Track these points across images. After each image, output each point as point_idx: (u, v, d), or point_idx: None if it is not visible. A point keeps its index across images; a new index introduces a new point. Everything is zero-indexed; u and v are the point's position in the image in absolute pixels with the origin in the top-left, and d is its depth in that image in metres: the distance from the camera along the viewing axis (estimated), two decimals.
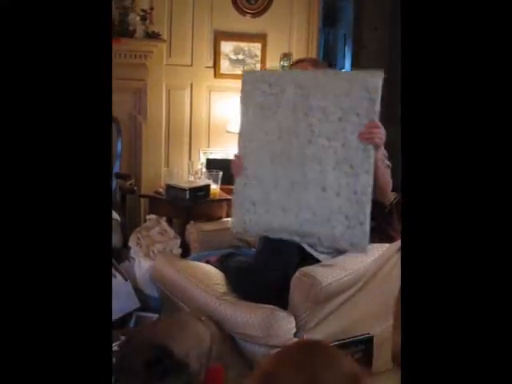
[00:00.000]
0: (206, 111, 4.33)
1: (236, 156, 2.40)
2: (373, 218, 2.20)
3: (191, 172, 3.91)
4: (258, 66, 4.32)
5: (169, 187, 3.47)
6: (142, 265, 3.01)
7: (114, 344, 1.94)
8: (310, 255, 2.30)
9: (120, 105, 3.89)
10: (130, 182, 3.58)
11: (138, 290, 2.89)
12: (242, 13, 4.34)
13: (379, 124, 2.18)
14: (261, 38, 4.39)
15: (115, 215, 3.42)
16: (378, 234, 2.29)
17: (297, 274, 2.18)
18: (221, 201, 3.57)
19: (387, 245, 2.35)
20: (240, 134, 2.42)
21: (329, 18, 7.17)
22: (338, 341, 2.21)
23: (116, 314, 2.66)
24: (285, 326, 2.11)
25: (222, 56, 4.30)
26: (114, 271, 2.84)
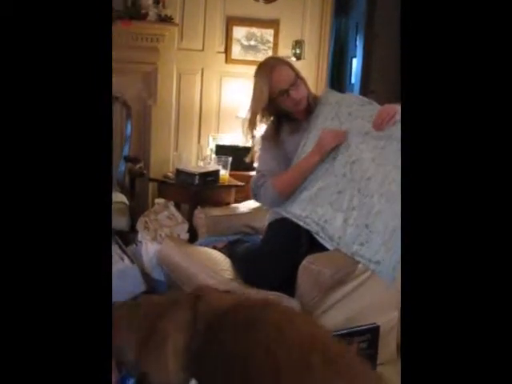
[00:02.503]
0: (216, 96, 4.32)
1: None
2: None
3: (200, 157, 3.91)
4: (270, 52, 4.30)
5: (178, 171, 3.46)
6: (149, 248, 3.01)
7: None
8: (319, 243, 2.30)
9: (130, 88, 3.89)
10: (139, 166, 3.57)
11: (144, 274, 2.90)
12: None
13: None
14: (273, 23, 4.37)
15: (124, 198, 3.42)
16: None
17: (304, 261, 2.18)
18: (230, 187, 3.57)
19: None
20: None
21: (341, 7, 7.12)
22: (344, 330, 2.21)
23: (122, 297, 2.66)
24: None
25: (233, 41, 4.28)
26: (121, 254, 2.85)
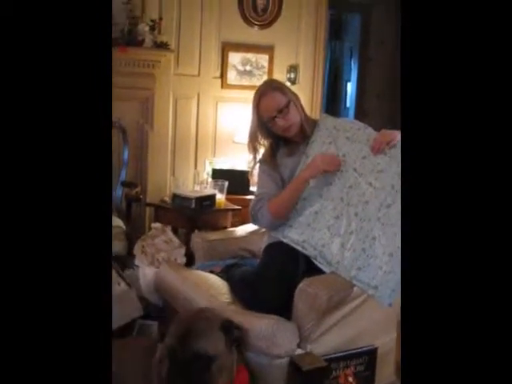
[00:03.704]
0: (212, 121, 4.36)
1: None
2: None
3: (197, 181, 3.93)
4: (265, 77, 4.35)
5: (175, 196, 3.48)
6: (146, 273, 3.01)
7: None
8: (316, 266, 2.31)
9: (127, 113, 3.92)
10: (135, 190, 3.59)
11: (141, 298, 2.89)
12: (250, 24, 4.38)
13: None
14: (268, 49, 4.42)
15: (120, 223, 3.43)
16: None
17: (301, 284, 2.18)
18: (226, 210, 3.58)
19: None
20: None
21: (336, 31, 7.21)
22: (342, 352, 2.21)
23: (119, 321, 2.66)
24: (288, 337, 2.11)
25: (229, 67, 4.34)
26: (118, 278, 2.85)
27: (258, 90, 2.54)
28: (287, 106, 2.45)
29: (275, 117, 2.43)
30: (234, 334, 1.95)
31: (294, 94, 2.54)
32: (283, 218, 2.42)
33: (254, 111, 2.49)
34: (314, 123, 2.57)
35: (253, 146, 2.56)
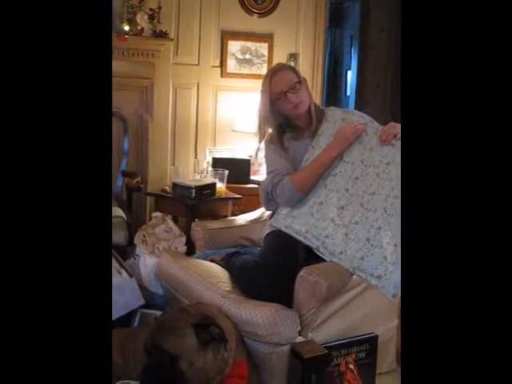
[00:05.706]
0: (212, 110, 4.35)
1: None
2: None
3: (197, 170, 3.92)
4: (265, 66, 4.34)
5: (175, 185, 3.47)
6: (147, 262, 3.01)
7: None
8: (316, 254, 2.31)
9: (127, 103, 3.91)
10: (136, 180, 3.59)
11: (142, 287, 2.89)
12: (249, 12, 4.36)
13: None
14: (268, 37, 4.41)
15: (121, 212, 3.43)
16: None
17: (302, 272, 2.19)
18: (226, 199, 3.58)
19: None
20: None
21: (336, 19, 7.18)
22: (343, 340, 2.22)
23: (121, 311, 2.67)
24: (289, 325, 2.12)
25: (228, 55, 4.32)
26: (119, 268, 2.85)
27: (269, 70, 2.62)
28: (299, 82, 2.49)
29: (286, 92, 2.45)
30: (211, 332, 1.89)
31: (304, 78, 2.57)
32: (305, 192, 2.42)
33: (264, 91, 2.52)
34: (320, 111, 2.58)
35: (263, 131, 2.58)
